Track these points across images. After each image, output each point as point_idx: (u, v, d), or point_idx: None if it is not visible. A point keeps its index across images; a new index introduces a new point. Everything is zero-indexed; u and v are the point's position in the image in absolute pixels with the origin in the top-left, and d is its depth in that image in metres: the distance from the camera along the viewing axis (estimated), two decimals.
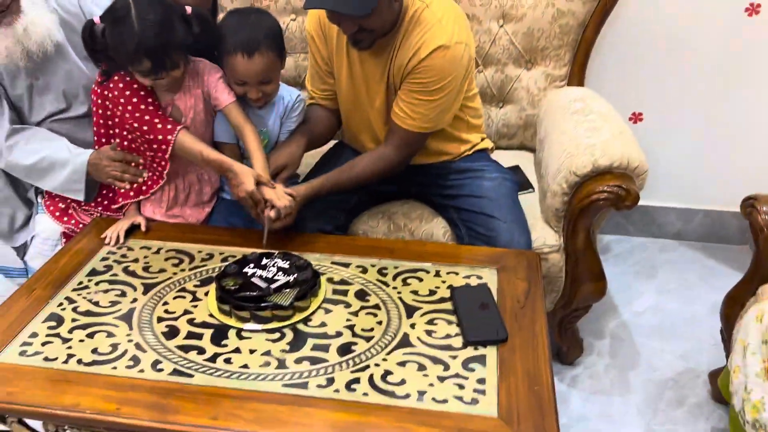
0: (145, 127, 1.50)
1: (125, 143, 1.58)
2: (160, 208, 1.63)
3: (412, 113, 1.52)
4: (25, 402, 1.08)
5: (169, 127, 1.50)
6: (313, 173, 1.75)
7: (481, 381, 1.12)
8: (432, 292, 1.35)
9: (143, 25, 1.35)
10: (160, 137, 1.50)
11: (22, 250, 1.75)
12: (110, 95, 1.52)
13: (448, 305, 1.31)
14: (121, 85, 1.51)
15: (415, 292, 1.35)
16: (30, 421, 1.16)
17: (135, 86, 1.51)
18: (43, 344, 1.21)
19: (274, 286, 1.28)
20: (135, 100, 1.50)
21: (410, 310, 1.30)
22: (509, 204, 1.63)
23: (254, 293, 1.26)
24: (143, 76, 1.44)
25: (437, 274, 1.41)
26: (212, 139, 1.61)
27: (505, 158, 1.98)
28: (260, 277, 1.31)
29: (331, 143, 1.87)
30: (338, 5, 1.36)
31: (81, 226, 1.67)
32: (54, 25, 1.58)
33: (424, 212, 1.74)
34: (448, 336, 1.23)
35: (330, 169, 1.59)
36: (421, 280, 1.39)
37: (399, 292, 1.35)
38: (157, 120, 1.50)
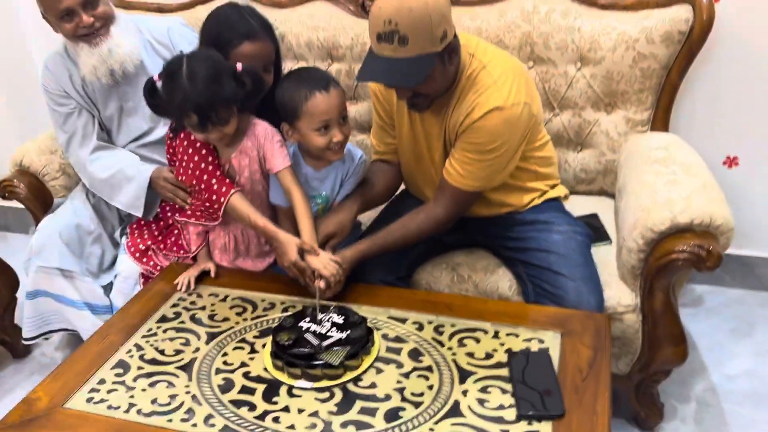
0: (202, 185, 1.56)
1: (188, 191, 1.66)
2: (227, 256, 1.69)
3: (463, 171, 1.48)
4: None
5: (224, 189, 1.55)
6: (376, 222, 1.75)
7: None
8: (488, 356, 1.30)
9: (192, 80, 1.40)
10: (214, 197, 1.55)
11: (108, 288, 1.86)
12: (178, 149, 1.60)
13: (504, 371, 1.26)
14: (185, 142, 1.58)
15: (470, 355, 1.31)
16: None
17: (198, 145, 1.57)
18: (109, 392, 1.27)
19: (325, 343, 1.28)
20: (196, 158, 1.56)
21: (464, 375, 1.25)
22: (579, 260, 1.55)
23: (306, 350, 1.27)
24: (194, 130, 1.50)
25: (496, 335, 1.36)
26: (268, 199, 1.64)
27: (584, 204, 1.90)
28: (313, 332, 1.32)
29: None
30: (387, 79, 1.39)
31: (158, 268, 1.76)
32: (137, 50, 1.75)
33: (490, 263, 1.69)
34: (501, 407, 1.17)
35: (392, 220, 1.59)
36: (478, 341, 1.35)
37: (454, 354, 1.31)
38: (214, 180, 1.56)
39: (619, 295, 1.54)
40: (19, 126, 2.66)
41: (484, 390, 1.22)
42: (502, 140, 1.44)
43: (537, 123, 1.54)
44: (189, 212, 1.66)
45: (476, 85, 1.44)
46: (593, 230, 1.74)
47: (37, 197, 2.01)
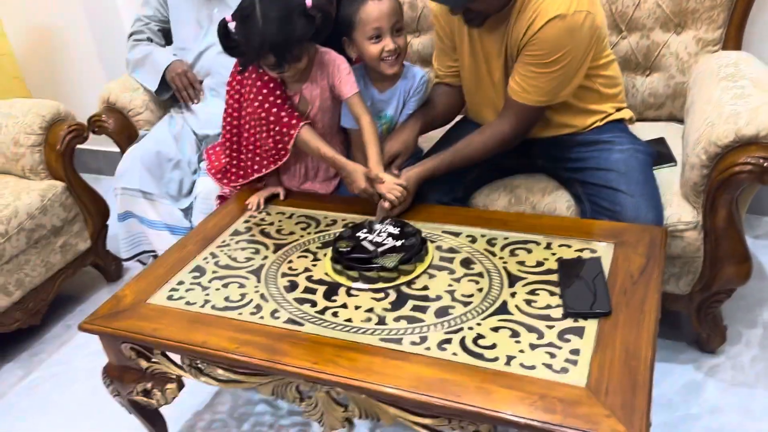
0: (272, 118, 1.64)
1: (252, 130, 1.72)
2: (295, 181, 1.79)
3: (527, 86, 1.49)
4: (166, 337, 1.26)
5: (293, 122, 1.63)
6: (435, 148, 1.79)
7: (575, 352, 1.09)
8: (539, 264, 1.34)
9: (266, 22, 1.45)
10: (284, 130, 1.64)
11: (186, 211, 2.01)
12: (245, 85, 1.68)
13: (554, 277, 1.29)
14: (254, 75, 1.66)
15: (521, 263, 1.35)
16: (171, 355, 1.35)
17: (266, 78, 1.64)
18: (187, 290, 1.40)
19: (381, 249, 1.35)
20: (265, 91, 1.64)
21: (513, 280, 1.30)
22: (639, 177, 1.54)
23: (363, 255, 1.35)
24: (270, 69, 1.56)
25: (548, 246, 1.39)
26: (338, 124, 1.72)
27: (652, 130, 1.86)
28: (370, 241, 1.39)
29: (457, 118, 1.90)
30: None
31: (238, 187, 1.86)
32: None
33: (549, 186, 1.70)
34: (548, 306, 1.21)
35: (452, 144, 1.62)
36: (530, 251, 1.38)
37: (505, 262, 1.35)
38: (283, 113, 1.63)
39: (681, 212, 1.53)
40: (105, 68, 2.85)
41: (532, 293, 1.25)
42: (564, 50, 1.43)
43: (601, 37, 1.52)
44: (260, 166, 1.75)
45: None
46: (659, 154, 1.72)
47: (123, 131, 2.18)
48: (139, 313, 1.34)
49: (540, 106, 1.53)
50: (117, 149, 2.23)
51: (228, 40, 1.54)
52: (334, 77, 1.64)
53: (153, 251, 2.08)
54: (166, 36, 2.21)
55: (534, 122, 1.59)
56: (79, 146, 2.18)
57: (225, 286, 1.41)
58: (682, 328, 1.74)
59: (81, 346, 2.06)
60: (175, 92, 2.13)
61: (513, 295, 1.25)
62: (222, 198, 1.88)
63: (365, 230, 1.44)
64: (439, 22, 1.69)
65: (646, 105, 1.95)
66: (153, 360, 1.33)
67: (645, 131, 1.83)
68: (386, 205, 1.52)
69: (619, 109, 1.70)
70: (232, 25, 1.52)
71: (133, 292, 1.41)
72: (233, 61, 1.88)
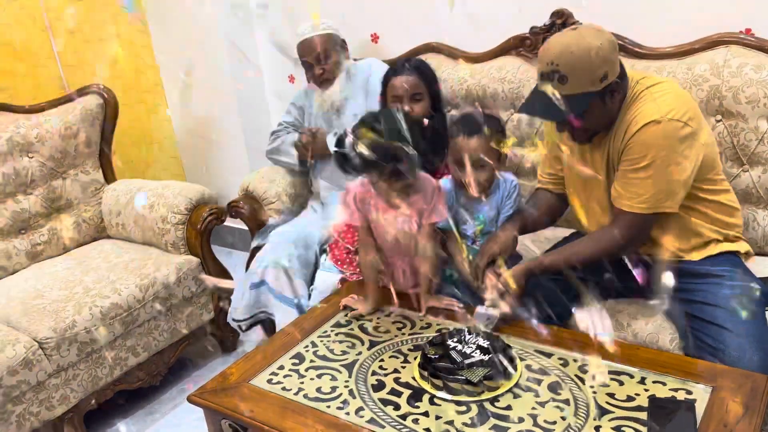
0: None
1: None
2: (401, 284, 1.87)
3: (626, 192, 1.51)
4: (261, 420, 1.37)
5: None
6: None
7: None
8: (630, 399, 1.31)
9: (387, 134, 1.55)
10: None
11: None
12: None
13: (642, 415, 1.26)
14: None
15: (611, 395, 1.32)
16: None
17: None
18: (285, 376, 1.52)
19: (467, 361, 1.39)
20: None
21: (600, 413, 1.28)
22: (748, 316, 1.47)
23: (449, 365, 1.39)
24: (378, 179, 1.64)
25: (642, 380, 1.36)
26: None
27: None
28: (459, 351, 1.43)
29: (569, 231, 1.93)
30: (542, 113, 1.53)
31: (359, 270, 1.98)
32: (343, 94, 2.30)
33: (653, 314, 1.66)
34: None
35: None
36: (621, 383, 1.36)
37: (594, 392, 1.34)
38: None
39: None
40: (250, 157, 3.19)
41: (617, 429, 1.23)
42: (655, 153, 1.45)
43: (709, 155, 1.54)
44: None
45: (636, 103, 1.50)
46: None
47: (255, 218, 2.42)
48: (241, 393, 1.47)
49: (645, 214, 1.51)
50: None
51: (340, 147, 1.65)
52: (431, 201, 1.72)
53: (271, 314, 2.20)
54: None
55: (644, 231, 1.56)
56: None
57: (319, 376, 1.50)
58: None
59: (191, 411, 2.19)
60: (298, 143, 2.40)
61: (597, 429, 1.23)
62: (344, 281, 2.02)
63: (455, 339, 1.49)
64: (548, 131, 1.80)
65: (767, 240, 1.86)
66: None
67: (765, 267, 1.75)
68: (491, 311, 1.58)
69: (734, 241, 1.66)
70: (349, 138, 1.61)
71: (239, 371, 1.55)
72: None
